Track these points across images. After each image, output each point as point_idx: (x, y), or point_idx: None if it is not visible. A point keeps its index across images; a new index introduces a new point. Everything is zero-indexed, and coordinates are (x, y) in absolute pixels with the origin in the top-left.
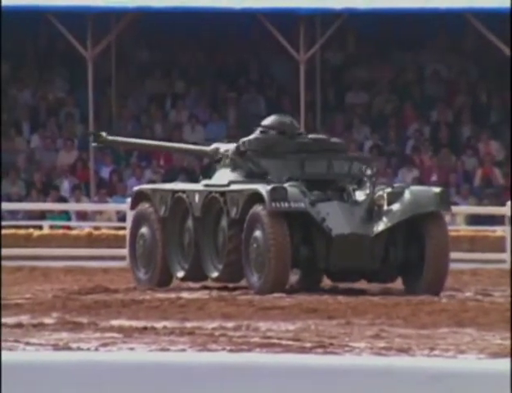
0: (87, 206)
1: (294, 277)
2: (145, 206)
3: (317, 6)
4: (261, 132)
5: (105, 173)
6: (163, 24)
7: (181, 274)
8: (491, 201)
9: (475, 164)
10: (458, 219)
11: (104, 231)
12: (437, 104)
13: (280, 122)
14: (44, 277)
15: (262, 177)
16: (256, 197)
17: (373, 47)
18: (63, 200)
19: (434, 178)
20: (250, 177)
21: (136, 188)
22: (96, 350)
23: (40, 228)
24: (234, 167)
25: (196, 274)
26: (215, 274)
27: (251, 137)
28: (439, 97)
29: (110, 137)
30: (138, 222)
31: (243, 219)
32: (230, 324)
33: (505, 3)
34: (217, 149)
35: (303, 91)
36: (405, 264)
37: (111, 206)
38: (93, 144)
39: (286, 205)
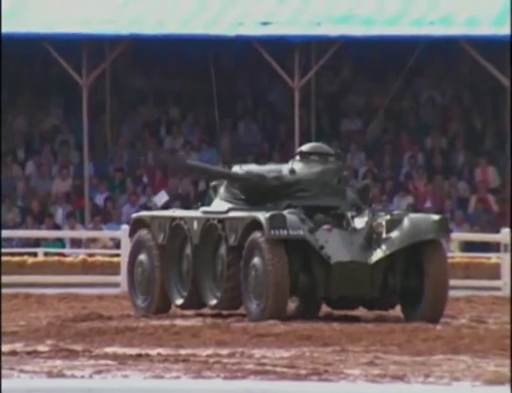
0: (81, 234)
1: (292, 305)
2: (143, 233)
3: (312, 34)
4: (337, 157)
5: (100, 200)
6: (157, 51)
7: (179, 302)
8: (486, 227)
9: (469, 190)
10: (452, 246)
11: (98, 258)
12: (432, 131)
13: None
14: (39, 305)
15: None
16: (255, 224)
17: (368, 74)
18: (57, 227)
19: (429, 204)
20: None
21: (134, 215)
22: (91, 377)
23: (35, 255)
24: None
25: (195, 302)
26: (213, 302)
27: (327, 166)
28: (434, 124)
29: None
30: (137, 249)
31: (242, 246)
32: (224, 351)
33: (500, 31)
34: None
35: (297, 118)
36: (404, 291)
37: (105, 233)
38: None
39: (285, 232)
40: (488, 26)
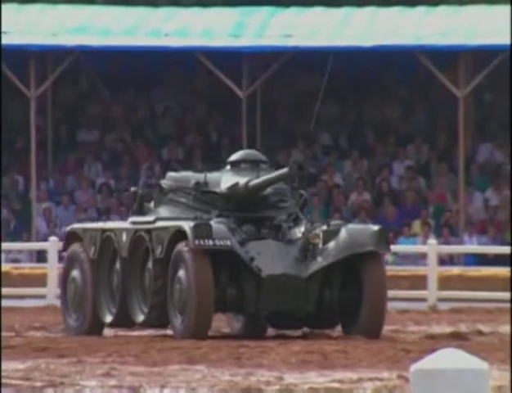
0: None
1: (237, 324)
2: (76, 247)
3: (49, 44)
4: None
5: None
6: None
7: (109, 319)
8: None
9: None
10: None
11: None
12: (169, 142)
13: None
14: None
15: None
16: (180, 235)
17: (106, 85)
18: None
19: None
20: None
21: (68, 228)
22: None
23: None
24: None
25: (124, 319)
26: (141, 318)
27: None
28: (170, 135)
29: None
30: (70, 264)
31: (168, 258)
32: None
33: (235, 43)
34: None
35: (33, 128)
36: (342, 305)
37: None
38: None
39: (211, 242)
40: (224, 38)
